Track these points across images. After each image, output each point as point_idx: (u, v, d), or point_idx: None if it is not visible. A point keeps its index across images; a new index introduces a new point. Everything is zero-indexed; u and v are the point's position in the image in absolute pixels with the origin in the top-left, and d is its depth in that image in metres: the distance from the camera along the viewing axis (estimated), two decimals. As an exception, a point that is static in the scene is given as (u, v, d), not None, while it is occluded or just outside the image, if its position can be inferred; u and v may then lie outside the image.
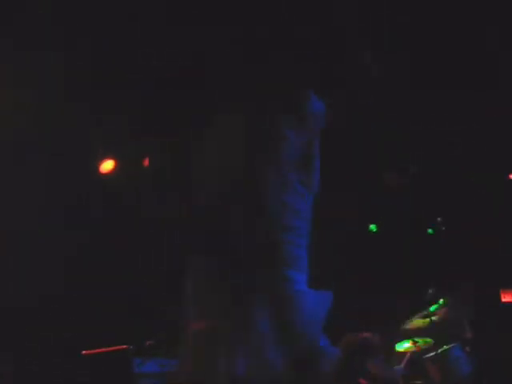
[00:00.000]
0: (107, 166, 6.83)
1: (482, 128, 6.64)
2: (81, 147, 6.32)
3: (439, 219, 6.44)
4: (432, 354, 5.66)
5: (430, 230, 7.35)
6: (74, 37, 5.51)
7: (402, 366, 5.63)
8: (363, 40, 5.87)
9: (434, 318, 5.89)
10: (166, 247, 7.08)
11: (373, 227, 7.49)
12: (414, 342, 5.67)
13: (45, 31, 5.29)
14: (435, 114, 6.55)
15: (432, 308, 6.01)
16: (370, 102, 6.34)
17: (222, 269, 2.24)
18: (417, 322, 5.99)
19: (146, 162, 6.88)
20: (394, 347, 5.73)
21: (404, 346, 5.77)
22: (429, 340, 5.72)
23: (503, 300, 7.56)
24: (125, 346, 5.07)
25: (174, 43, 5.82)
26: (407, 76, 6.19)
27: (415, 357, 5.76)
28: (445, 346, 5.61)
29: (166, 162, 6.96)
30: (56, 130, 6.20)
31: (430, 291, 5.69)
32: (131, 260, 6.81)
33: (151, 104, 6.34)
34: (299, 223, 2.27)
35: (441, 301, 5.99)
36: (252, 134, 2.31)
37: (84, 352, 5.22)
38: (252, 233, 2.23)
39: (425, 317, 5.98)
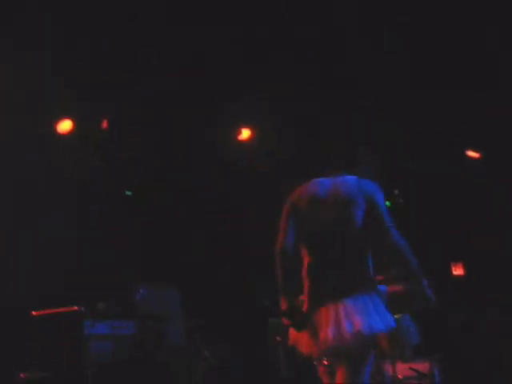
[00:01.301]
0: (64, 125, 6.58)
1: (482, 128, 6.64)
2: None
3: (396, 192, 6.33)
4: None
5: (387, 203, 7.21)
6: (73, 37, 5.52)
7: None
8: (363, 40, 5.89)
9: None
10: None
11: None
12: None
13: (45, 31, 5.30)
14: (435, 114, 6.54)
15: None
16: (370, 102, 6.36)
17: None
18: None
19: (105, 124, 6.69)
20: None
21: None
22: None
23: (454, 273, 7.56)
24: (75, 308, 5.03)
25: (174, 43, 5.83)
26: (407, 76, 6.20)
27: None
28: (394, 316, 5.59)
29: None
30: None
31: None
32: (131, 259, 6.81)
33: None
34: None
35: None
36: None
37: (34, 312, 5.17)
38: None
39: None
